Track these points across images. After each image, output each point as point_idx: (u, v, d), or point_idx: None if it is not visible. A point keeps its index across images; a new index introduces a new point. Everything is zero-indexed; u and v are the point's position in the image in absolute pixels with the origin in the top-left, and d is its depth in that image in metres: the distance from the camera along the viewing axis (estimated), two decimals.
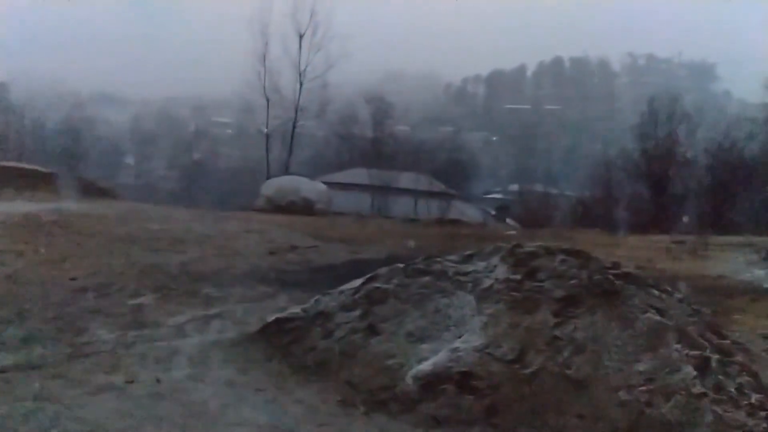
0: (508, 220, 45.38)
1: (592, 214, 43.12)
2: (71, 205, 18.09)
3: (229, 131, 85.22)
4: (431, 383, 5.72)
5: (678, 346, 5.75)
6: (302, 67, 42.34)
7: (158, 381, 6.10)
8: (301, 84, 42.42)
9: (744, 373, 5.75)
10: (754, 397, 5.44)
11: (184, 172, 69.51)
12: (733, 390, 5.45)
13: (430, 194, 42.60)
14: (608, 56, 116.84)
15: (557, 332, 5.98)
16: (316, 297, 7.34)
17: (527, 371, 5.70)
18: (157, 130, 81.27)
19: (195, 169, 68.92)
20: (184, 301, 9.25)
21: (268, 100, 42.21)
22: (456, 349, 5.92)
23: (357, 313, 6.76)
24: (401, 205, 40.60)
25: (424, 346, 6.20)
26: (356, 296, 6.95)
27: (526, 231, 29.13)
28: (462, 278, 6.83)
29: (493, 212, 50.99)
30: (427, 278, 6.91)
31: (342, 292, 7.15)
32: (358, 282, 7.21)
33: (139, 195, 40.14)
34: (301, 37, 42.21)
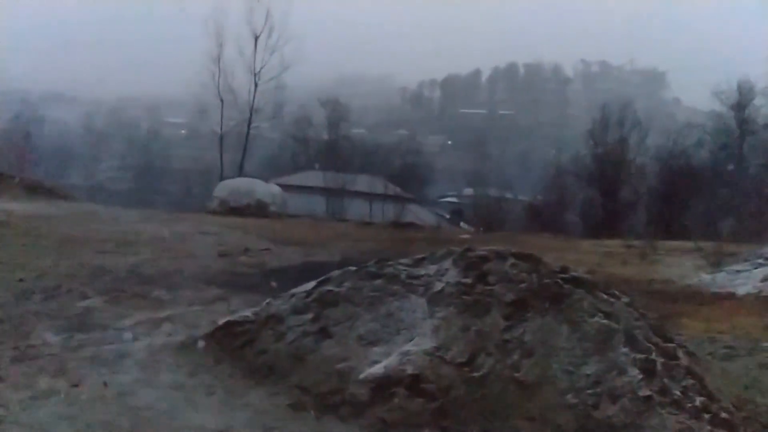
0: (462, 224, 45.68)
1: (545, 218, 43.59)
2: (18, 205, 17.75)
3: (183, 132, 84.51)
4: (382, 386, 5.72)
5: (625, 349, 5.83)
6: (257, 69, 42.21)
7: (105, 385, 6.00)
8: (256, 85, 42.31)
9: (689, 376, 5.85)
10: (698, 400, 5.55)
11: (136, 172, 68.62)
12: (677, 393, 5.54)
13: (386, 197, 42.70)
14: (562, 62, 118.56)
15: (507, 335, 6.03)
16: (268, 300, 7.29)
17: (477, 374, 5.74)
18: (109, 130, 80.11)
19: (147, 169, 68.05)
20: (134, 303, 9.14)
21: (222, 101, 41.97)
22: (407, 353, 5.93)
23: (309, 316, 6.73)
24: (356, 208, 40.62)
25: (376, 349, 6.20)
26: (308, 299, 6.92)
27: (479, 234, 29.37)
28: (414, 282, 6.84)
29: (448, 216, 51.25)
30: (379, 281, 6.91)
31: (294, 295, 7.12)
32: (310, 285, 7.18)
33: (89, 196, 39.56)
34: (256, 38, 42.11)
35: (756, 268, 16.48)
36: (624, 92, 67.18)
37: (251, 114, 42.43)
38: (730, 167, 45.20)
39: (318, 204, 39.64)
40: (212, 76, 41.70)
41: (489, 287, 6.48)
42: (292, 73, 43.51)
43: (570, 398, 5.50)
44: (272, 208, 28.17)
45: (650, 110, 63.17)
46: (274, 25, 42.10)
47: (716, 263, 18.07)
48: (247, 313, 7.22)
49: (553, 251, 18.96)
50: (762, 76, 48.94)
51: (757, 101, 47.17)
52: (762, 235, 20.98)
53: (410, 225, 31.39)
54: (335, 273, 7.19)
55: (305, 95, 55.92)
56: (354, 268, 7.20)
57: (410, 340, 6.15)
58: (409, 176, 54.08)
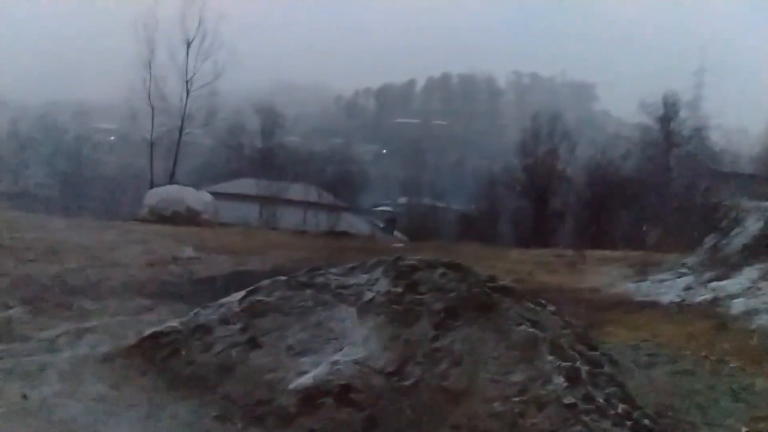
0: (395, 233, 45.81)
1: (478, 228, 44.08)
2: None
3: (112, 138, 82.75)
4: (310, 397, 5.69)
5: (551, 357, 5.92)
6: (189, 75, 41.55)
7: (25, 397, 5.83)
8: (188, 92, 41.62)
9: (612, 383, 5.98)
10: (621, 408, 5.66)
11: (63, 179, 66.86)
12: (601, 400, 5.65)
13: (320, 206, 42.54)
14: (494, 74, 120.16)
15: (436, 344, 6.07)
16: (196, 310, 7.20)
17: (406, 383, 5.76)
18: (36, 136, 77.83)
19: (75, 176, 66.39)
20: (57, 314, 8.91)
21: (153, 108, 41.15)
22: (336, 362, 5.92)
23: (237, 326, 6.67)
24: (290, 217, 40.31)
25: (305, 359, 6.17)
26: (237, 309, 6.86)
27: (413, 243, 29.53)
28: (344, 291, 6.84)
29: (382, 225, 51.37)
30: (309, 291, 6.89)
31: (222, 305, 7.04)
32: (239, 295, 7.12)
33: (15, 203, 38.32)
34: (188, 44, 41.44)
35: (679, 278, 16.96)
36: (554, 104, 68.42)
37: (183, 120, 41.75)
38: (656, 178, 46.39)
39: (251, 212, 39.18)
40: (143, 81, 40.92)
41: (419, 296, 6.52)
42: (226, 80, 43.04)
43: (497, 406, 5.56)
44: (203, 216, 27.81)
45: (580, 122, 64.70)
46: (207, 31, 41.55)
47: (642, 272, 18.53)
48: (174, 323, 7.11)
49: (485, 260, 19.18)
50: (687, 89, 50.63)
51: (683, 114, 48.69)
52: (686, 245, 21.55)
53: (344, 234, 31.35)
54: (265, 283, 7.14)
55: (239, 102, 55.39)
56: (284, 278, 7.17)
57: (340, 350, 6.14)
58: (343, 185, 54.00)
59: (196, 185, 37.70)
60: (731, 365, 8.76)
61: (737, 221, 18.09)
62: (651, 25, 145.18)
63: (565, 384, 5.68)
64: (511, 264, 20.37)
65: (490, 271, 7.48)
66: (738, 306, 12.82)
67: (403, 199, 58.37)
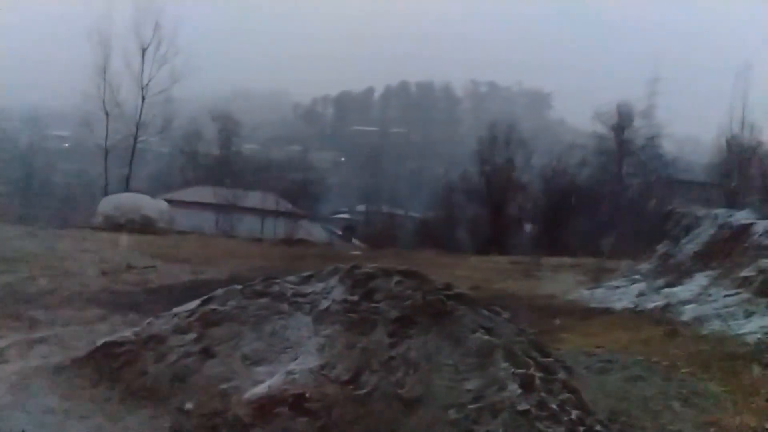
0: (354, 240, 45.77)
1: (436, 235, 44.22)
2: None
3: (66, 145, 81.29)
4: (265, 406, 5.65)
5: (505, 364, 5.96)
6: (145, 81, 41.18)
7: None
8: (143, 98, 41.23)
9: (565, 390, 6.04)
10: (574, 414, 5.73)
11: (15, 187, 65.48)
12: (555, 407, 5.70)
13: (277, 214, 42.30)
14: (452, 82, 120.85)
15: (392, 352, 6.07)
16: (149, 320, 7.10)
17: (361, 392, 5.75)
18: None
19: (28, 184, 65.09)
20: (7, 324, 8.76)
21: (107, 114, 40.65)
22: (291, 371, 5.89)
23: (191, 336, 6.60)
24: (247, 225, 40.04)
25: (260, 368, 6.13)
26: (191, 319, 6.78)
27: (371, 251, 29.56)
28: (300, 300, 6.82)
29: (340, 232, 51.29)
30: (265, 300, 6.85)
31: (176, 314, 6.96)
32: (193, 304, 7.04)
33: None
34: (144, 50, 41.06)
35: (632, 284, 17.24)
36: (511, 112, 69.08)
37: (138, 127, 41.37)
38: (611, 186, 47.05)
39: (207, 220, 38.85)
40: (97, 88, 40.45)
41: (374, 304, 6.52)
42: (182, 87, 42.75)
43: (452, 414, 5.58)
44: (159, 224, 27.55)
45: (536, 130, 65.19)
46: (163, 38, 41.22)
47: (596, 279, 18.80)
48: (127, 333, 7.01)
49: (442, 267, 19.30)
50: (641, 98, 51.46)
51: (636, 123, 49.48)
52: (639, 252, 21.88)
53: (302, 242, 31.31)
54: (219, 291, 7.08)
55: (195, 109, 54.83)
56: (239, 287, 7.11)
57: (295, 359, 6.11)
58: (301, 192, 53.77)
59: (152, 193, 37.33)
60: (682, 371, 8.91)
61: (689, 228, 18.46)
62: (605, 36, 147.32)
63: (519, 391, 5.72)
64: (468, 271, 20.53)
65: (448, 279, 7.51)
66: (689, 312, 13.07)
67: (361, 207, 58.29)
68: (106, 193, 35.61)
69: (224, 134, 54.33)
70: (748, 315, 12.10)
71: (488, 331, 6.33)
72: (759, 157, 42.11)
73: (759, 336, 10.66)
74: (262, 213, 42.42)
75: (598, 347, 10.02)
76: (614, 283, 17.99)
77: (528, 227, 45.89)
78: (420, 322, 6.33)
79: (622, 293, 16.59)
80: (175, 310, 7.09)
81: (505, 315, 6.85)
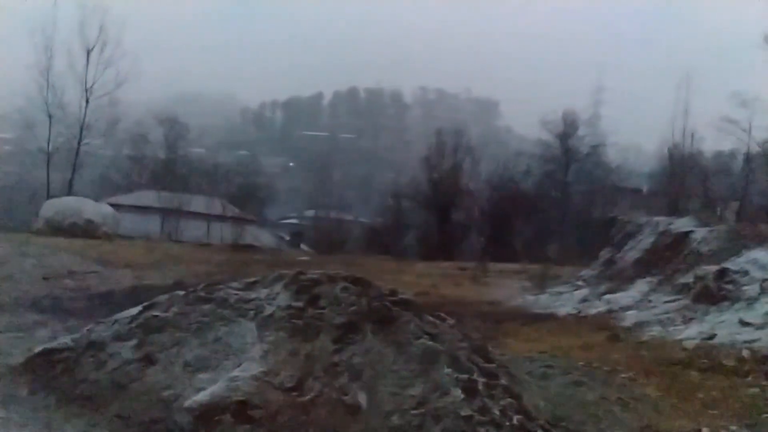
0: (302, 246, 45.61)
1: (384, 241, 44.34)
2: None
3: (7, 148, 79.43)
4: (207, 414, 5.58)
5: (448, 370, 6.00)
6: (89, 84, 40.40)
7: None
8: (87, 101, 40.44)
9: (508, 395, 6.10)
10: (516, 419, 5.79)
11: None
12: (497, 412, 5.76)
13: (224, 219, 41.89)
14: (401, 89, 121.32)
15: (336, 359, 6.06)
16: (89, 326, 6.97)
17: (305, 398, 5.72)
18: None
19: None
20: None
21: (50, 117, 39.79)
22: (234, 378, 5.83)
23: (132, 342, 6.49)
24: (193, 230, 39.61)
25: (203, 375, 6.05)
26: (132, 325, 6.68)
27: (319, 257, 29.50)
28: (244, 306, 6.75)
29: (288, 238, 51.05)
30: (208, 306, 6.77)
31: (117, 321, 6.85)
32: (135, 310, 6.93)
33: None
34: (89, 51, 40.29)
35: (576, 290, 17.55)
36: (459, 120, 69.55)
37: (82, 130, 40.57)
38: (556, 193, 47.77)
39: (152, 225, 38.34)
40: (40, 89, 39.59)
41: (319, 311, 6.50)
42: (127, 89, 41.96)
43: (395, 419, 5.59)
44: (103, 229, 27.07)
45: (484, 138, 65.93)
46: (108, 39, 40.49)
47: (541, 285, 19.07)
48: (67, 340, 6.88)
49: (390, 273, 19.37)
50: (586, 107, 52.41)
51: (581, 131, 50.37)
52: (583, 258, 22.28)
53: (249, 247, 31.10)
54: (162, 297, 6.98)
55: (141, 112, 53.93)
56: (182, 293, 7.02)
57: (238, 366, 6.05)
58: (249, 197, 53.42)
59: (96, 197, 36.67)
60: (623, 376, 9.08)
61: (630, 235, 18.84)
62: (551, 45, 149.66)
63: (462, 396, 5.76)
64: (415, 277, 20.62)
65: (395, 285, 7.54)
66: (630, 318, 13.35)
67: (310, 212, 58.02)
68: (48, 197, 34.82)
69: (171, 138, 53.62)
70: (687, 321, 12.40)
71: (432, 337, 6.36)
72: (699, 165, 43.22)
73: (697, 341, 10.92)
74: (209, 218, 42.01)
75: (541, 352, 10.15)
76: (558, 288, 18.29)
77: (475, 233, 46.28)
78: (365, 329, 6.32)
79: (566, 299, 16.88)
80: (116, 316, 6.98)
81: (450, 321, 6.89)
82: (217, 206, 43.13)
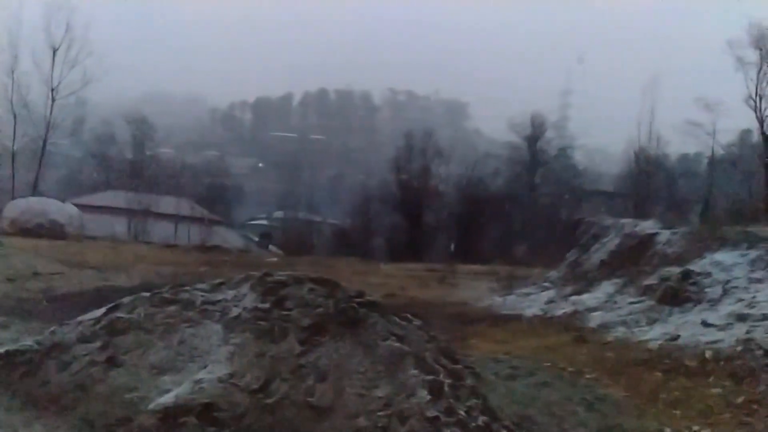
0: (270, 247, 45.47)
1: (353, 242, 44.37)
2: None
3: None
4: (172, 416, 5.53)
5: (415, 371, 6.01)
6: (55, 83, 39.91)
7: None
8: (53, 100, 39.95)
9: (473, 396, 6.14)
10: (481, 419, 5.82)
11: None
12: (462, 413, 5.78)
13: (192, 219, 41.67)
14: (371, 90, 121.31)
15: (302, 360, 6.04)
16: (53, 328, 6.90)
17: (271, 400, 5.70)
18: None
19: None
20: None
21: (15, 116, 39.26)
22: (199, 380, 5.79)
23: (96, 344, 6.43)
24: (161, 230, 39.32)
25: (168, 377, 6.01)
26: (96, 327, 6.61)
27: (288, 258, 29.42)
28: (210, 307, 6.72)
29: (257, 239, 50.85)
30: (173, 308, 6.72)
31: (81, 322, 6.78)
32: (99, 312, 6.86)
33: None
34: (54, 50, 39.80)
35: (542, 291, 17.70)
36: (429, 122, 69.77)
37: (48, 130, 40.07)
38: (524, 195, 48.13)
39: (119, 225, 37.92)
40: (5, 88, 39.07)
41: (286, 312, 6.48)
42: (95, 89, 41.52)
43: (361, 421, 5.60)
44: (68, 229, 26.79)
45: (453, 140, 66.00)
46: (75, 38, 40.04)
47: (508, 286, 19.20)
48: (30, 341, 6.80)
49: (359, 275, 19.39)
50: (554, 110, 52.89)
51: (549, 134, 50.83)
52: (550, 260, 22.44)
53: (216, 248, 30.91)
54: (127, 299, 6.92)
55: (108, 112, 53.38)
56: (147, 294, 6.96)
57: (204, 368, 6.02)
58: (217, 198, 53.17)
59: (61, 197, 36.26)
60: (587, 376, 9.20)
61: (596, 237, 19.04)
62: (520, 48, 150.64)
63: (428, 397, 5.77)
64: (384, 278, 20.67)
65: (364, 286, 7.57)
66: (596, 319, 13.49)
67: (279, 213, 57.85)
68: (13, 197, 34.33)
69: (138, 138, 53.15)
70: (651, 322, 12.57)
71: (399, 338, 6.37)
72: (665, 168, 43.84)
73: (661, 342, 11.07)
74: (177, 219, 41.75)
75: (507, 353, 10.23)
76: (525, 290, 18.43)
77: (444, 235, 46.49)
78: (331, 330, 6.32)
79: (532, 300, 17.01)
80: (81, 318, 6.90)
81: (417, 322, 6.91)
82: (184, 207, 42.86)
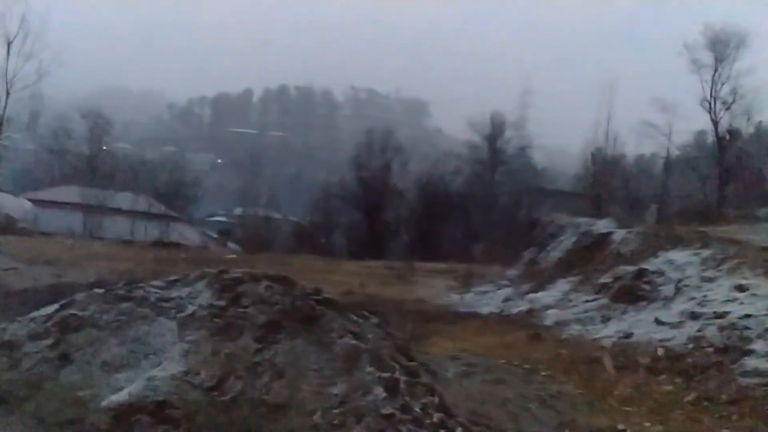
0: (230, 244, 45.14)
1: (313, 240, 44.23)
2: None
3: None
4: (124, 414, 5.48)
5: (371, 369, 6.03)
6: (10, 76, 39.08)
7: None
8: (8, 93, 39.12)
9: (429, 393, 6.18)
10: (436, 416, 5.87)
11: None
12: (418, 410, 5.82)
13: (149, 215, 41.16)
14: (332, 88, 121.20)
15: (258, 358, 6.02)
16: (3, 325, 6.77)
17: (225, 398, 5.67)
18: None
19: None
20: None
21: None
22: (153, 378, 5.74)
23: (48, 341, 6.33)
24: (117, 227, 38.74)
25: (120, 375, 5.94)
26: (48, 324, 6.51)
27: (247, 255, 29.24)
28: (165, 304, 6.66)
29: (215, 236, 50.43)
30: (127, 305, 6.64)
31: (33, 319, 6.66)
32: (51, 308, 6.75)
33: None
34: (9, 43, 38.97)
35: (500, 289, 17.84)
36: (390, 120, 69.92)
37: (2, 124, 39.24)
38: (483, 194, 48.38)
39: (75, 221, 37.30)
40: None
41: (242, 310, 6.45)
42: (50, 82, 40.77)
43: (317, 418, 5.60)
44: (21, 225, 26.37)
45: (413, 138, 66.40)
46: (30, 31, 39.24)
47: (466, 284, 19.32)
48: None
49: (318, 272, 19.34)
50: (514, 109, 53.30)
51: (508, 133, 51.17)
52: (508, 258, 22.61)
53: (174, 245, 30.63)
54: (80, 296, 6.82)
55: (64, 106, 52.54)
56: (101, 291, 6.87)
57: (158, 365, 5.96)
58: (175, 194, 52.51)
59: (15, 192, 35.61)
60: (542, 373, 9.30)
61: (553, 236, 19.24)
62: (481, 48, 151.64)
63: (384, 395, 5.80)
64: (343, 276, 20.64)
65: (323, 284, 7.56)
66: (551, 317, 13.65)
67: (238, 210, 57.43)
68: None
69: (95, 132, 52.27)
70: (606, 320, 12.75)
71: (356, 336, 6.38)
72: (621, 168, 44.43)
73: (614, 340, 11.24)
74: (133, 215, 41.18)
75: (464, 351, 10.30)
76: (483, 288, 18.56)
77: (403, 233, 46.59)
78: (288, 328, 6.31)
79: (490, 298, 17.15)
80: (33, 314, 6.79)
81: (374, 320, 6.93)
82: (142, 203, 42.36)
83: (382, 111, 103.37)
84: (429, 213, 44.62)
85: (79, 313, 6.56)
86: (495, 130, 50.36)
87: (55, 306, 6.79)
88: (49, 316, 6.62)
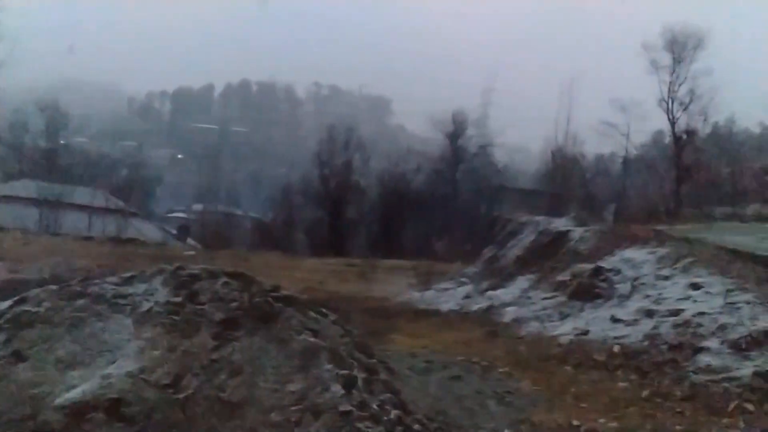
0: (189, 240, 44.75)
1: (274, 236, 44.05)
2: None
3: None
4: (78, 412, 5.40)
5: (329, 366, 6.04)
6: None
7: None
8: None
9: (387, 390, 6.21)
10: (394, 413, 5.89)
11: None
12: (375, 407, 5.84)
13: (107, 211, 40.58)
14: (294, 83, 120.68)
15: (215, 355, 5.99)
16: None
17: (181, 396, 5.63)
18: None
19: None
20: None
21: None
22: (108, 375, 5.67)
23: (1, 338, 6.22)
24: (74, 222, 38.14)
25: (75, 372, 5.86)
26: (1, 320, 6.39)
27: (206, 252, 29.03)
28: (121, 301, 6.58)
29: (174, 232, 49.94)
30: (82, 301, 6.55)
31: None
32: (5, 304, 6.64)
33: None
34: None
35: (460, 287, 17.94)
36: (352, 116, 69.84)
37: None
38: (444, 192, 48.59)
39: (30, 216, 36.60)
40: None
41: (199, 306, 6.42)
42: (5, 74, 39.98)
43: (274, 416, 5.59)
44: None
45: (376, 135, 66.42)
46: None
47: (427, 281, 19.40)
48: None
49: (279, 269, 19.28)
50: (475, 107, 53.63)
51: (470, 131, 51.48)
52: (469, 256, 22.75)
53: (132, 241, 30.28)
54: (34, 292, 6.71)
55: (20, 99, 51.61)
56: (55, 287, 6.77)
57: (113, 363, 5.89)
58: (134, 189, 51.98)
59: None
60: (500, 370, 9.39)
61: (513, 234, 19.40)
62: (443, 45, 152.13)
63: (342, 392, 5.81)
64: (304, 273, 20.62)
65: (284, 280, 7.56)
66: (510, 314, 13.76)
67: (198, 206, 57.00)
68: None
69: (51, 126, 51.49)
70: (563, 317, 12.88)
71: (314, 333, 6.38)
72: (580, 167, 44.96)
73: (571, 337, 11.37)
74: (91, 210, 40.58)
75: (424, 347, 10.35)
76: (443, 285, 18.64)
77: (365, 230, 46.62)
78: (245, 325, 6.29)
79: (450, 295, 17.23)
80: None
81: (332, 317, 6.93)
82: (99, 198, 41.76)
83: (345, 108, 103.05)
84: (390, 210, 44.73)
85: (33, 310, 6.45)
86: (457, 128, 50.62)
87: (9, 302, 6.67)
88: (2, 313, 6.50)
